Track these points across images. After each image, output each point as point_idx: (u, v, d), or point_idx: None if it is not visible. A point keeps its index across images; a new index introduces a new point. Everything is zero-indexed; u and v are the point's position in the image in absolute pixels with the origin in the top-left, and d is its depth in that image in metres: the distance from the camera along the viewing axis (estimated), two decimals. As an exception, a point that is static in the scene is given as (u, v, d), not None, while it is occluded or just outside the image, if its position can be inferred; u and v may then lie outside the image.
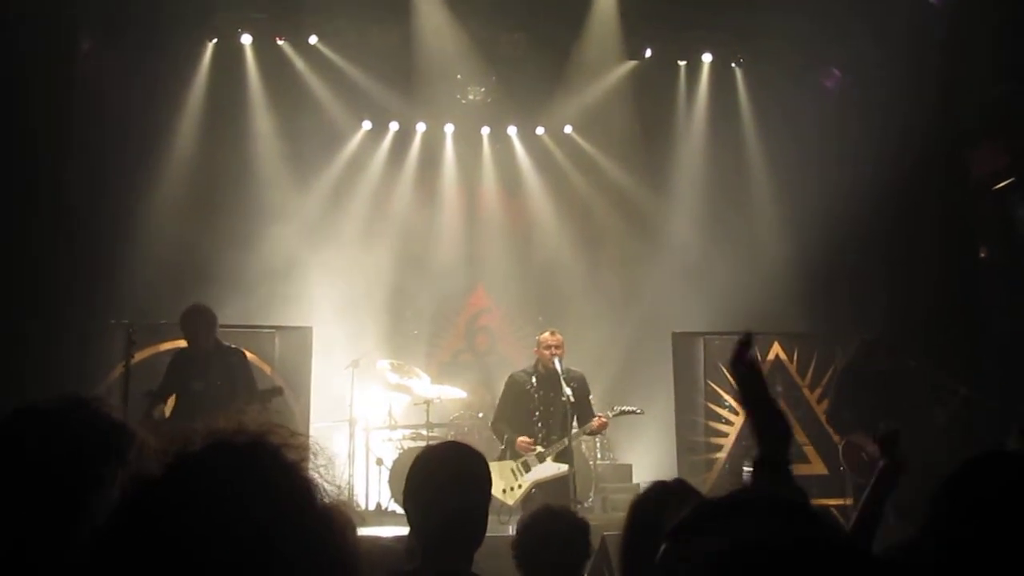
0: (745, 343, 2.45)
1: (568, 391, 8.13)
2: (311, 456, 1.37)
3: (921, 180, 10.36)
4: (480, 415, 10.66)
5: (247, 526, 1.23)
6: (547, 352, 8.40)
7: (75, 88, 10.21)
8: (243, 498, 1.26)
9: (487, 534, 3.05)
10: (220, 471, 1.28)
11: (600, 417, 8.43)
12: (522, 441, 8.31)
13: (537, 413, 8.46)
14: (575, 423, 8.34)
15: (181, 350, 8.49)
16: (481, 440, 9.81)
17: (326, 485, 1.35)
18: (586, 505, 9.20)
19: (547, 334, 8.59)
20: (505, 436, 8.47)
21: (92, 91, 10.33)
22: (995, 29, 9.56)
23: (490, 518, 3.18)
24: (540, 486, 8.25)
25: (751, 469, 2.40)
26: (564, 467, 8.20)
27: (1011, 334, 9.58)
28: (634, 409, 9.02)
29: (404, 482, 3.06)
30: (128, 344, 8.31)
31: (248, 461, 1.30)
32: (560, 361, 8.34)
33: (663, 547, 1.39)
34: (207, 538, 1.22)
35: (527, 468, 8.38)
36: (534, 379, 8.53)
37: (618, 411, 8.86)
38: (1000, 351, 9.60)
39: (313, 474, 1.35)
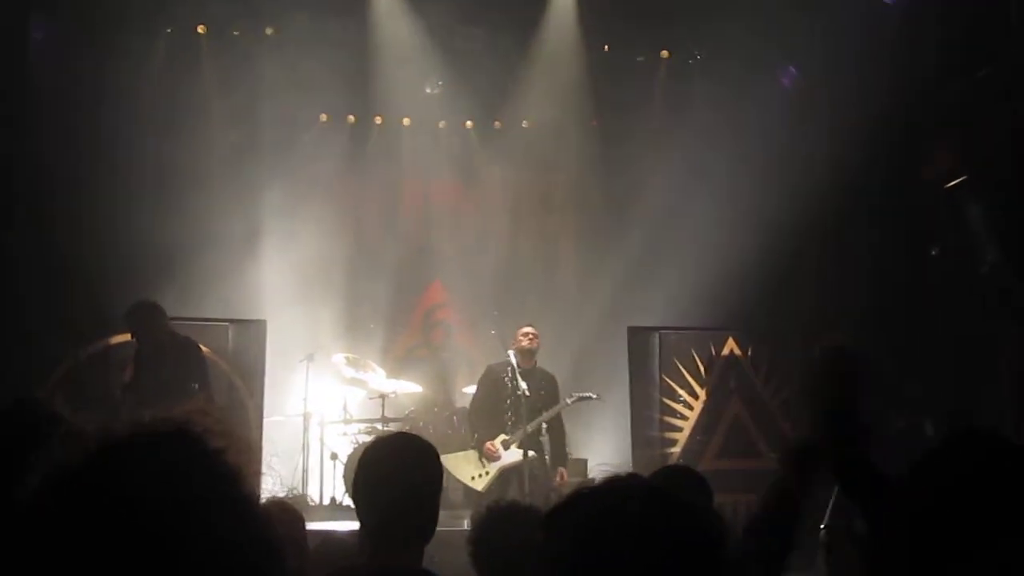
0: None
1: (524, 386, 8.56)
2: (235, 444, 1.37)
3: (874, 178, 10.49)
4: (435, 409, 10.65)
5: (164, 512, 1.23)
6: (520, 341, 8.92)
7: (25, 78, 10.06)
8: (162, 485, 1.26)
9: (442, 528, 3.03)
10: (138, 458, 1.28)
11: (561, 474, 8.81)
12: (489, 446, 8.69)
13: (508, 401, 8.82)
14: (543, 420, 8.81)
15: (132, 346, 8.44)
16: (436, 434, 9.80)
17: (247, 472, 1.37)
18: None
19: (520, 331, 9.08)
20: (476, 435, 8.88)
21: (43, 81, 10.18)
22: (947, 28, 9.68)
23: (445, 512, 3.15)
24: (505, 471, 8.66)
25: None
26: (531, 453, 8.59)
27: (961, 332, 9.72)
28: (590, 395, 9.31)
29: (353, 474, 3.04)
30: (79, 338, 8.23)
31: (167, 449, 1.30)
32: (515, 353, 8.80)
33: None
34: (122, 523, 1.21)
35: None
36: (509, 370, 8.84)
37: (575, 398, 9.18)
38: (951, 349, 9.73)
39: (236, 462, 1.35)
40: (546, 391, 8.91)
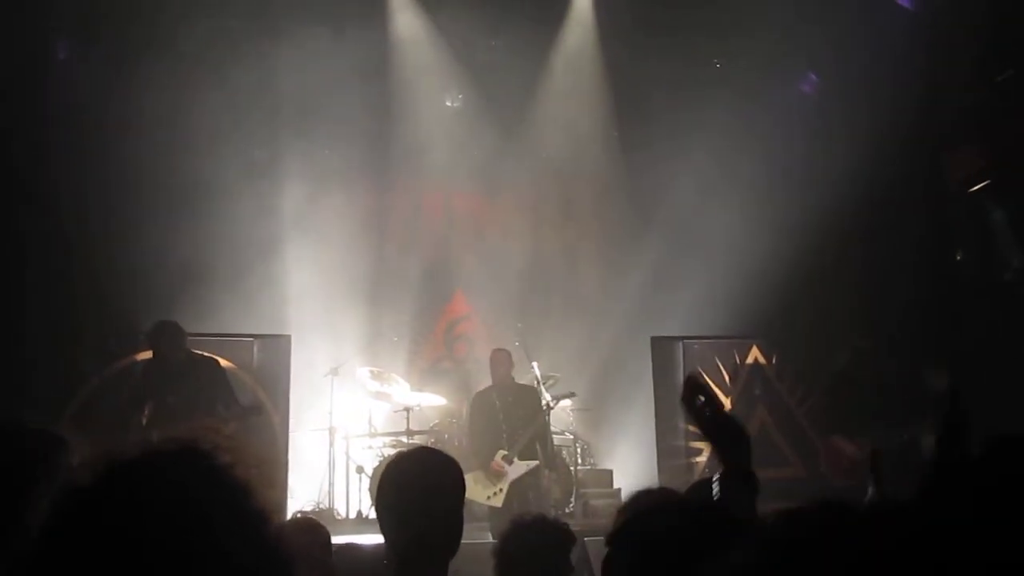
0: (692, 386, 2.68)
1: (548, 396, 9.12)
2: (244, 459, 1.39)
3: (899, 183, 10.44)
4: (459, 422, 10.67)
5: (173, 528, 1.26)
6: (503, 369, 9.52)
7: (47, 96, 10.16)
8: (170, 502, 1.28)
9: (466, 541, 3.03)
10: (147, 477, 1.31)
11: (546, 476, 9.35)
12: (495, 465, 9.07)
13: (501, 415, 9.27)
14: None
15: (153, 360, 8.49)
16: (461, 447, 9.83)
17: (258, 486, 1.38)
18: (567, 511, 9.35)
19: (495, 355, 9.69)
20: (481, 460, 9.16)
21: (64, 100, 10.27)
22: (968, 33, 9.64)
23: (469, 525, 3.15)
24: (516, 484, 8.96)
25: (719, 481, 2.53)
26: (534, 462, 9.06)
27: (985, 336, 9.66)
28: (565, 393, 9.71)
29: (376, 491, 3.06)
30: (106, 355, 8.30)
31: (175, 466, 1.33)
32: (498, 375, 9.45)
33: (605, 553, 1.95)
34: (131, 541, 1.24)
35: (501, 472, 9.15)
36: (494, 392, 9.44)
37: (555, 401, 9.45)
38: (975, 353, 9.67)
39: (246, 476, 1.38)
40: (528, 401, 9.33)
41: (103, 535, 1.24)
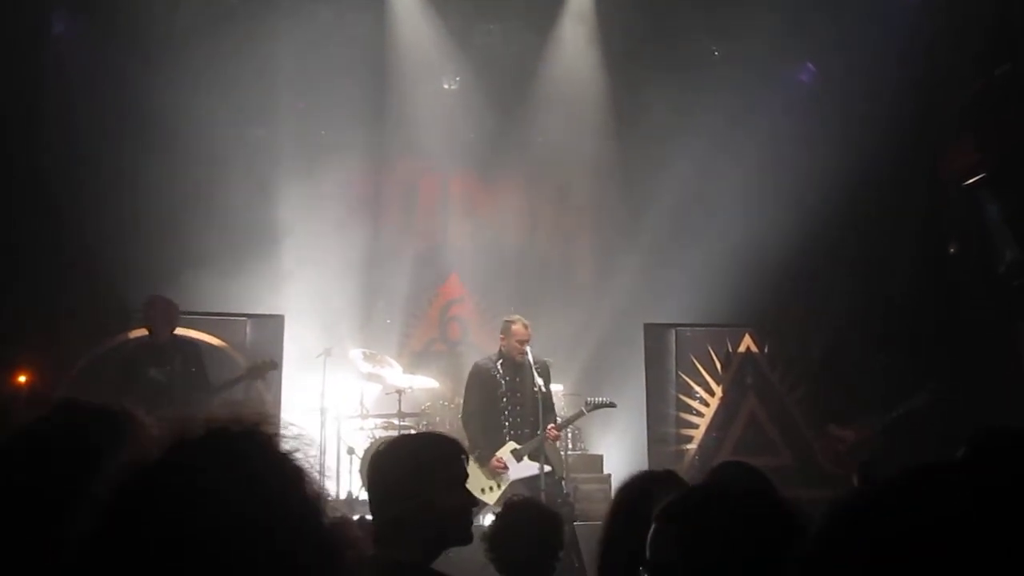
0: None
1: (540, 381, 8.25)
2: (303, 446, 1.41)
3: (895, 176, 10.45)
4: (452, 404, 10.67)
5: (238, 511, 1.28)
6: (518, 345, 8.41)
7: (44, 70, 10.12)
8: (235, 484, 1.30)
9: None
10: (214, 458, 1.33)
11: (552, 429, 8.39)
12: (495, 462, 8.34)
13: (504, 399, 8.53)
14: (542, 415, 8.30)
15: (136, 340, 8.55)
16: (452, 430, 9.81)
17: (315, 473, 1.41)
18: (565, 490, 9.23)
19: (519, 326, 8.49)
20: (478, 451, 8.27)
21: (61, 75, 10.23)
22: (966, 26, 9.64)
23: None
24: (517, 485, 8.24)
25: None
26: (547, 468, 8.15)
27: (978, 328, 9.69)
28: (607, 402, 8.96)
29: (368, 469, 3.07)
30: (100, 331, 8.32)
31: (242, 449, 1.35)
32: (529, 353, 8.38)
33: (653, 528, 1.96)
34: (198, 522, 1.26)
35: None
36: (500, 365, 8.59)
37: (592, 405, 8.85)
38: (967, 345, 9.70)
39: (304, 463, 1.41)
40: (543, 379, 8.36)
41: (166, 514, 1.26)
